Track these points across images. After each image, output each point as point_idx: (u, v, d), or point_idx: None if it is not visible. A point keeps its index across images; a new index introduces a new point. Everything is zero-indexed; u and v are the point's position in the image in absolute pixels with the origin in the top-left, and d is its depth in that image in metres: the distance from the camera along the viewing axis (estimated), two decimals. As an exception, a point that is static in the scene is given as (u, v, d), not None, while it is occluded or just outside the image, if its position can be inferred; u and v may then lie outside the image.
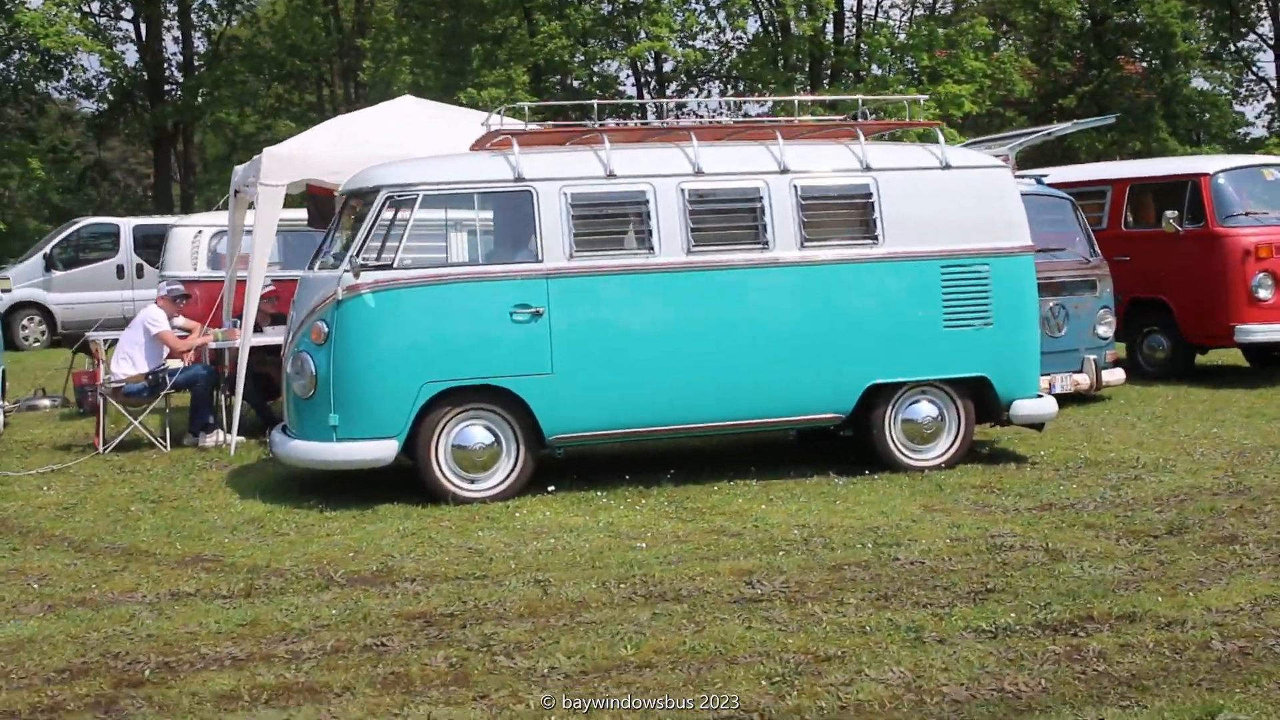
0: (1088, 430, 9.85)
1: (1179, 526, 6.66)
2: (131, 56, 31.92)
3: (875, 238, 8.16)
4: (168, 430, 10.12)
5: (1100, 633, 5.00)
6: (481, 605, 5.55)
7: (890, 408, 8.30)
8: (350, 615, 5.47)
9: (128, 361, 10.04)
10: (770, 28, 32.42)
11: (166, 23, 31.83)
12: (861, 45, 30.99)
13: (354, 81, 30.85)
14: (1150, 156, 27.18)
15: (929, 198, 8.31)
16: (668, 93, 36.48)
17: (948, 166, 8.37)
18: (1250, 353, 13.35)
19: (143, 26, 31.26)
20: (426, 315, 7.55)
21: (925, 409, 8.38)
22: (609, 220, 7.96)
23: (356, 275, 7.48)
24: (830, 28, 32.31)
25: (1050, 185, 12.67)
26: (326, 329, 7.58)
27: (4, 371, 11.78)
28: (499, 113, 8.35)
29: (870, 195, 8.19)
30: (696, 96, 36.36)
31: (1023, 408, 8.44)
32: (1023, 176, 12.55)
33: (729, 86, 35.94)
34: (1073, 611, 5.27)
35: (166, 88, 31.49)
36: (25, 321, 21.64)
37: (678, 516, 7.20)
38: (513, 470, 7.78)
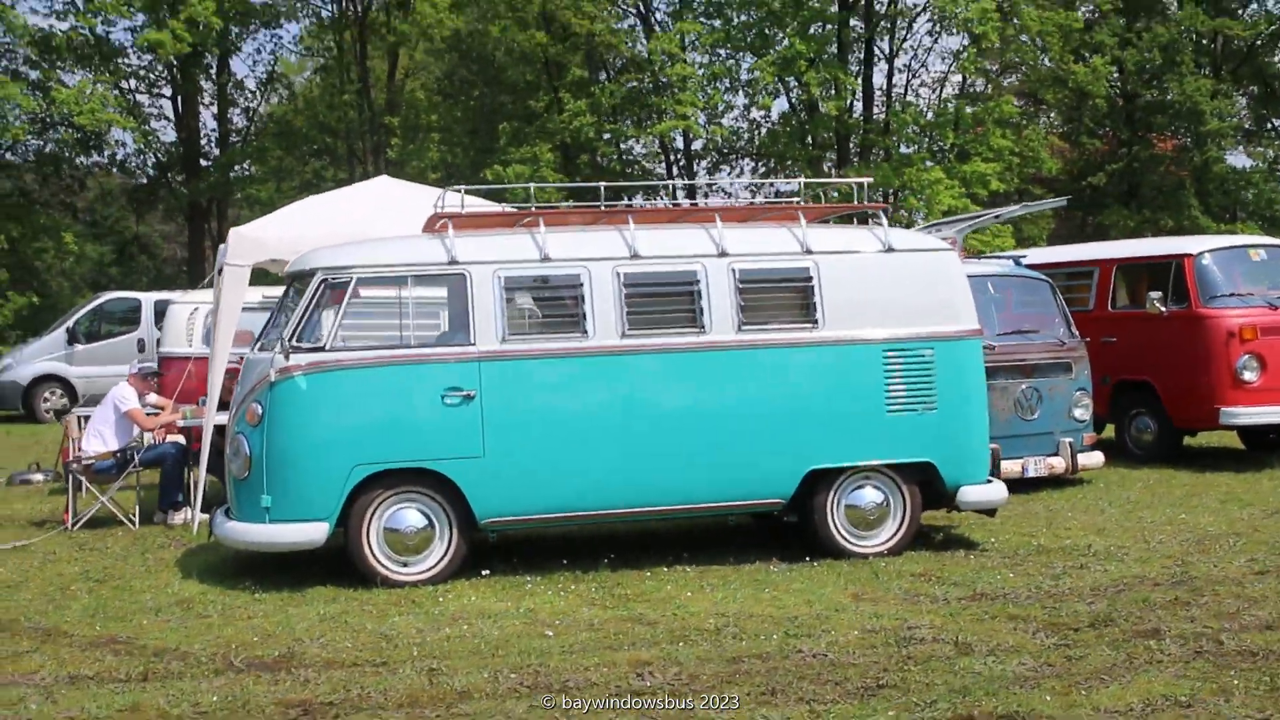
0: (1051, 515, 9.68)
1: (1104, 619, 6.50)
2: (168, 133, 32.67)
3: (815, 321, 8.13)
4: (138, 508, 10.20)
5: (974, 733, 4.88)
6: (365, 694, 5.51)
7: (832, 493, 8.21)
8: (231, 702, 5.44)
9: (98, 439, 10.16)
10: (797, 107, 32.64)
11: (205, 99, 32.63)
12: (889, 123, 31.11)
13: (384, 158, 31.38)
14: (1183, 234, 26.99)
15: (871, 281, 8.27)
16: (696, 170, 36.83)
17: (890, 250, 8.34)
18: (1245, 434, 13.11)
19: (179, 103, 32.02)
20: (358, 397, 7.59)
21: (869, 494, 8.28)
22: (543, 303, 8.00)
23: (288, 357, 7.55)
24: (860, 105, 32.52)
25: (1034, 265, 12.62)
26: (260, 410, 7.64)
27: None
28: (451, 191, 8.41)
29: (810, 279, 8.17)
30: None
31: (970, 494, 8.32)
32: (1001, 257, 12.52)
33: (759, 164, 36.20)
34: (957, 710, 5.15)
35: (203, 163, 32.16)
36: (47, 394, 22.04)
37: (601, 603, 7.13)
38: (445, 554, 7.76)
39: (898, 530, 8.30)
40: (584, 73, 31.51)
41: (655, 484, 7.90)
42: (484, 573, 7.90)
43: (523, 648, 6.20)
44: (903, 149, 31.21)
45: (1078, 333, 11.46)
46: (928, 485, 8.35)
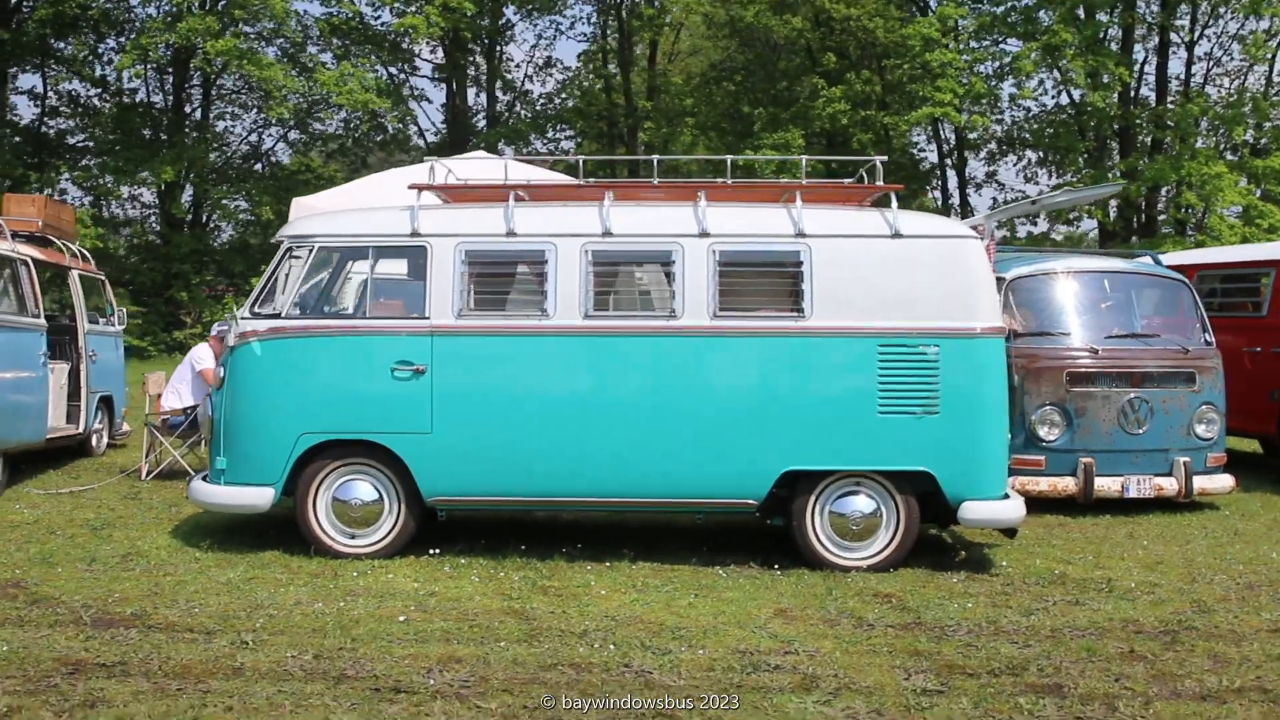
0: (1120, 543, 8.48)
1: (1017, 667, 5.56)
2: (434, 115, 34.06)
3: (800, 310, 7.39)
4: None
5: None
6: (146, 658, 5.40)
7: (813, 498, 7.47)
8: (16, 653, 5.45)
9: (175, 396, 10.62)
10: (1068, 97, 30.51)
11: (478, 79, 33.83)
12: (1170, 114, 28.52)
13: (639, 141, 31.65)
14: None
15: (871, 268, 7.45)
16: (971, 161, 35.10)
17: (898, 235, 7.48)
18: None
19: (453, 85, 33.34)
20: (308, 366, 7.51)
21: (858, 503, 7.48)
22: (505, 279, 7.66)
23: (247, 324, 7.56)
24: (1142, 94, 30.02)
25: (1195, 266, 11.15)
26: (222, 374, 7.70)
27: (118, 395, 12.73)
28: (438, 163, 8.20)
29: (800, 263, 7.43)
30: (989, 166, 34.71)
31: (973, 510, 7.36)
32: (1138, 254, 11.14)
33: (1040, 156, 34.03)
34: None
35: (471, 140, 33.40)
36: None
37: (507, 595, 6.74)
38: (392, 529, 7.58)
39: (888, 544, 7.46)
40: (840, 59, 30.56)
41: (614, 475, 7.42)
42: (432, 551, 7.66)
43: (358, 631, 5.91)
44: (1198, 143, 28.52)
45: (1213, 340, 9.99)
46: (933, 498, 7.46)
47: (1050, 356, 9.60)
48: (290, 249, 7.68)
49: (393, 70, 32.53)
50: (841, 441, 7.36)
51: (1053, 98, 31.85)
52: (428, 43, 31.43)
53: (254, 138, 33.61)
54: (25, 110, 31.51)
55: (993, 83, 30.46)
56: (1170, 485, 9.50)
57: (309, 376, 7.50)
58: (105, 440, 12.42)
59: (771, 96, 31.60)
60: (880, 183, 8.02)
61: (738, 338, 7.39)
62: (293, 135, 32.44)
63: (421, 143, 33.37)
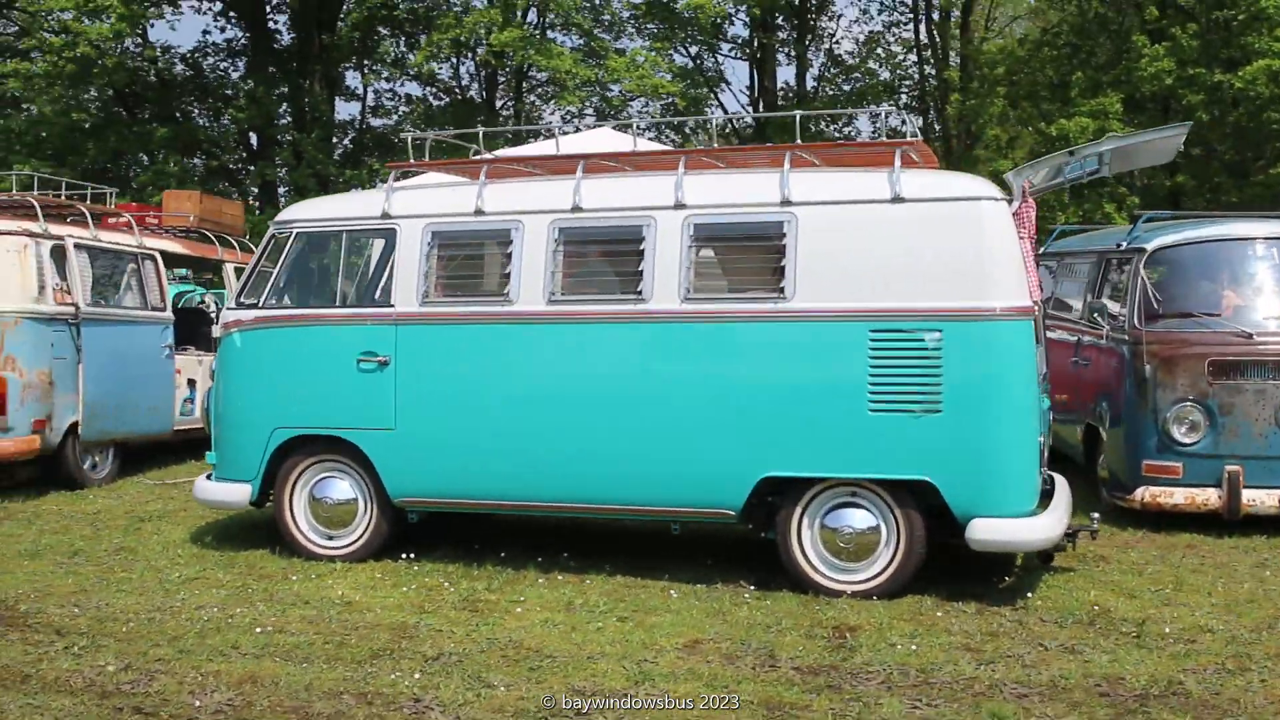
0: (1210, 572, 6.87)
1: (885, 730, 4.46)
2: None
3: (783, 290, 6.38)
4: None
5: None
6: (-36, 662, 5.28)
7: (799, 510, 6.44)
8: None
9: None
10: None
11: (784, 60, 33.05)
12: None
13: (946, 115, 29.86)
14: None
15: (866, 240, 6.32)
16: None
17: (898, 199, 6.30)
18: None
19: (754, 66, 32.73)
20: (280, 358, 7.24)
21: (854, 517, 6.38)
22: (472, 262, 7.09)
23: (231, 314, 7.41)
24: None
25: None
26: (214, 367, 7.59)
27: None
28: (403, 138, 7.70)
29: (783, 236, 6.42)
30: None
31: (982, 530, 6.09)
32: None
33: None
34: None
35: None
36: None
37: (421, 608, 6.16)
38: (365, 530, 7.20)
39: (888, 566, 6.32)
40: (1166, 12, 27.48)
41: (579, 479, 6.70)
42: (406, 556, 7.21)
43: (190, 644, 5.53)
44: None
45: None
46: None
47: (1190, 342, 7.92)
48: (274, 236, 7.45)
49: (693, 51, 32.22)
50: (827, 444, 6.29)
51: None
52: (730, 21, 30.91)
53: (570, 129, 34.14)
54: (343, 110, 33.60)
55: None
56: (1336, 501, 7.63)
57: (282, 369, 7.24)
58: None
59: (1090, 60, 28.91)
60: (910, 139, 6.82)
61: (710, 323, 6.48)
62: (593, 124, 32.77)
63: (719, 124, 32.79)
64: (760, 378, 6.39)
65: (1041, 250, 11.94)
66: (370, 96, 33.60)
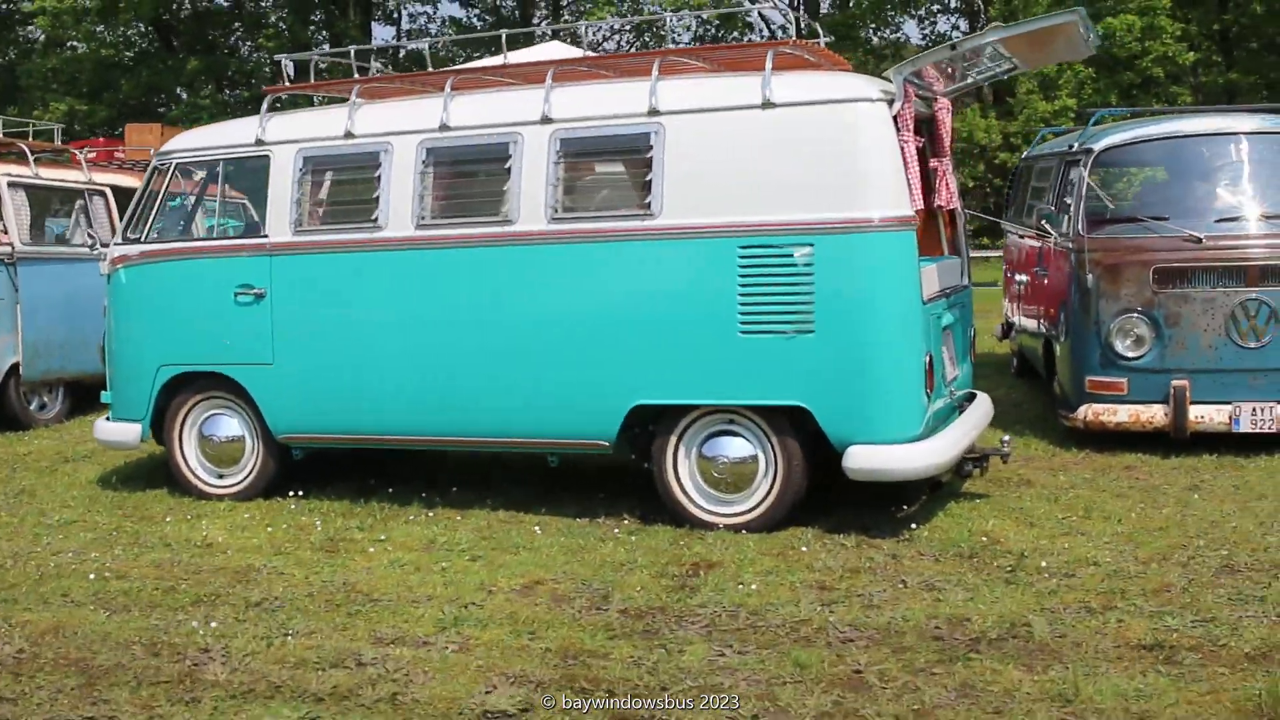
0: (1135, 498, 6.41)
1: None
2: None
3: (648, 207, 5.98)
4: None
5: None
6: None
7: (674, 439, 6.09)
8: None
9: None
10: None
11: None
12: None
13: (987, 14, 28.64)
14: None
15: (736, 150, 5.88)
16: None
17: (768, 104, 5.83)
18: None
19: None
20: (163, 293, 7.03)
21: (732, 446, 6.02)
22: (344, 187, 6.78)
23: (117, 249, 7.20)
24: None
25: None
26: (105, 305, 7.41)
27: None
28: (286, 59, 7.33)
29: (649, 148, 6.00)
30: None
31: (860, 457, 5.69)
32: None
33: None
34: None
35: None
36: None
37: (279, 548, 5.97)
38: (252, 468, 7.00)
39: (765, 497, 5.96)
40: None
41: (453, 410, 6.42)
42: (293, 494, 7.01)
43: (46, 590, 5.40)
44: None
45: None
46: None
47: (1134, 248, 7.36)
48: (156, 168, 7.20)
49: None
50: (697, 370, 5.91)
51: None
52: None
53: (608, 46, 33.48)
54: (381, 34, 33.17)
55: None
56: (1298, 416, 7.07)
57: (165, 304, 7.04)
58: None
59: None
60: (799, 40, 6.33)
61: (575, 244, 6.11)
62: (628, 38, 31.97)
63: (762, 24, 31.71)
64: (627, 301, 6.02)
65: (1024, 154, 11.30)
66: (406, 20, 33.27)
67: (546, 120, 6.19)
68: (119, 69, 27.53)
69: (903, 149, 5.80)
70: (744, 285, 5.79)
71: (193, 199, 7.46)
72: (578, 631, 4.66)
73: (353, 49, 7.03)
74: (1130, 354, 7.34)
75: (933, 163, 6.69)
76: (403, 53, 28.14)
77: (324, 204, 6.74)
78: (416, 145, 6.43)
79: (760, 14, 32.87)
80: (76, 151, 10.72)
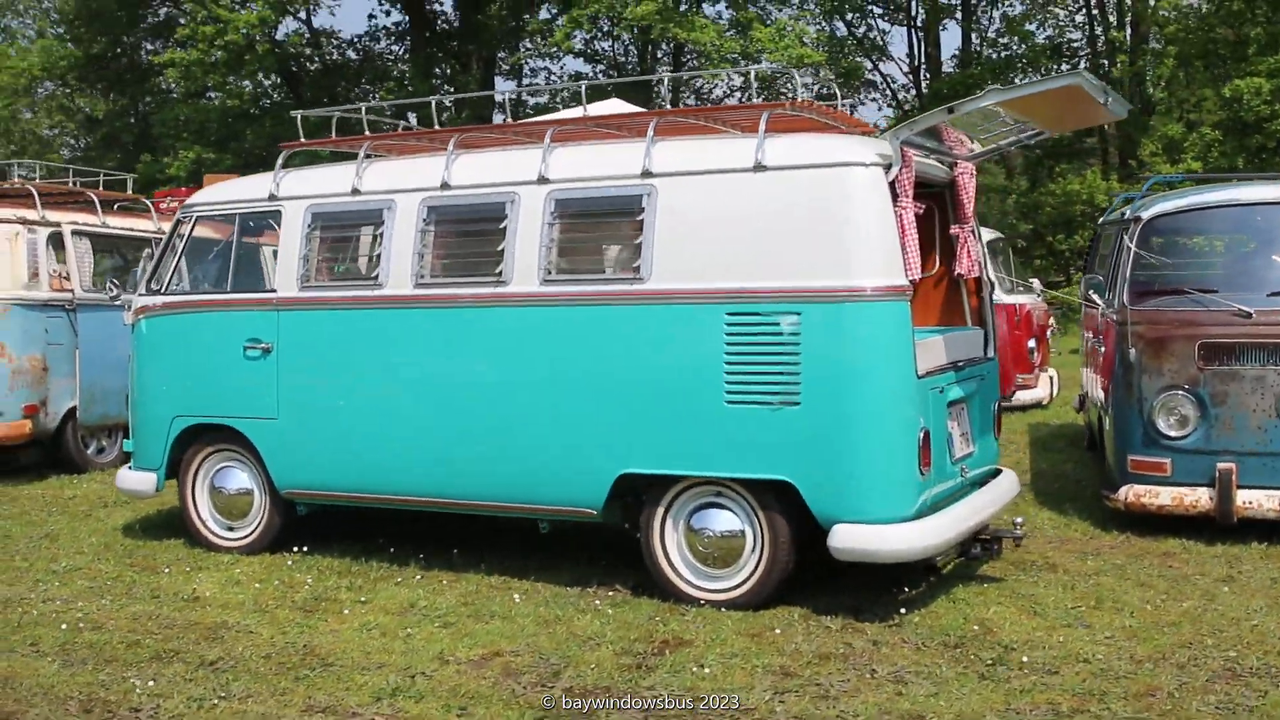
0: (1162, 588, 5.95)
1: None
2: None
3: (638, 270, 5.83)
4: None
5: None
6: None
7: (661, 510, 5.88)
8: None
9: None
10: None
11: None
12: None
13: (1114, 77, 27.84)
14: None
15: (725, 213, 5.70)
16: None
17: (760, 167, 5.64)
18: None
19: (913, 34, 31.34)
20: (179, 345, 7.10)
21: (720, 520, 5.79)
22: (350, 244, 6.77)
23: (140, 300, 7.31)
24: None
25: None
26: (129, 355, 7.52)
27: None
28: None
29: (641, 210, 5.86)
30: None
31: (845, 537, 5.41)
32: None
33: None
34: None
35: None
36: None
37: (262, 606, 5.93)
38: (259, 522, 7.00)
39: (752, 574, 5.71)
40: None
41: (444, 473, 6.32)
42: (298, 548, 6.97)
43: (17, 639, 5.44)
44: None
45: None
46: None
47: (1180, 322, 6.93)
48: (179, 220, 7.31)
49: (846, 20, 31.08)
50: (684, 439, 5.71)
51: None
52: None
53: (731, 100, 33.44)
54: (505, 89, 33.74)
55: None
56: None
57: (181, 356, 7.11)
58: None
59: (1273, 16, 26.39)
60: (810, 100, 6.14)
61: (566, 307, 5.98)
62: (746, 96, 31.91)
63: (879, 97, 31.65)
64: (615, 366, 5.86)
65: (1101, 220, 10.86)
66: (527, 74, 33.76)
67: (543, 180, 6.10)
68: (245, 119, 28.47)
69: (900, 216, 5.55)
70: (730, 354, 5.58)
71: (213, 252, 7.54)
72: (510, 710, 4.49)
73: (363, 105, 7.05)
74: (1174, 433, 6.90)
75: (953, 229, 6.41)
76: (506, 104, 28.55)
77: (329, 260, 6.75)
78: (418, 203, 6.40)
79: (878, 69, 32.70)
80: (148, 201, 11.01)
